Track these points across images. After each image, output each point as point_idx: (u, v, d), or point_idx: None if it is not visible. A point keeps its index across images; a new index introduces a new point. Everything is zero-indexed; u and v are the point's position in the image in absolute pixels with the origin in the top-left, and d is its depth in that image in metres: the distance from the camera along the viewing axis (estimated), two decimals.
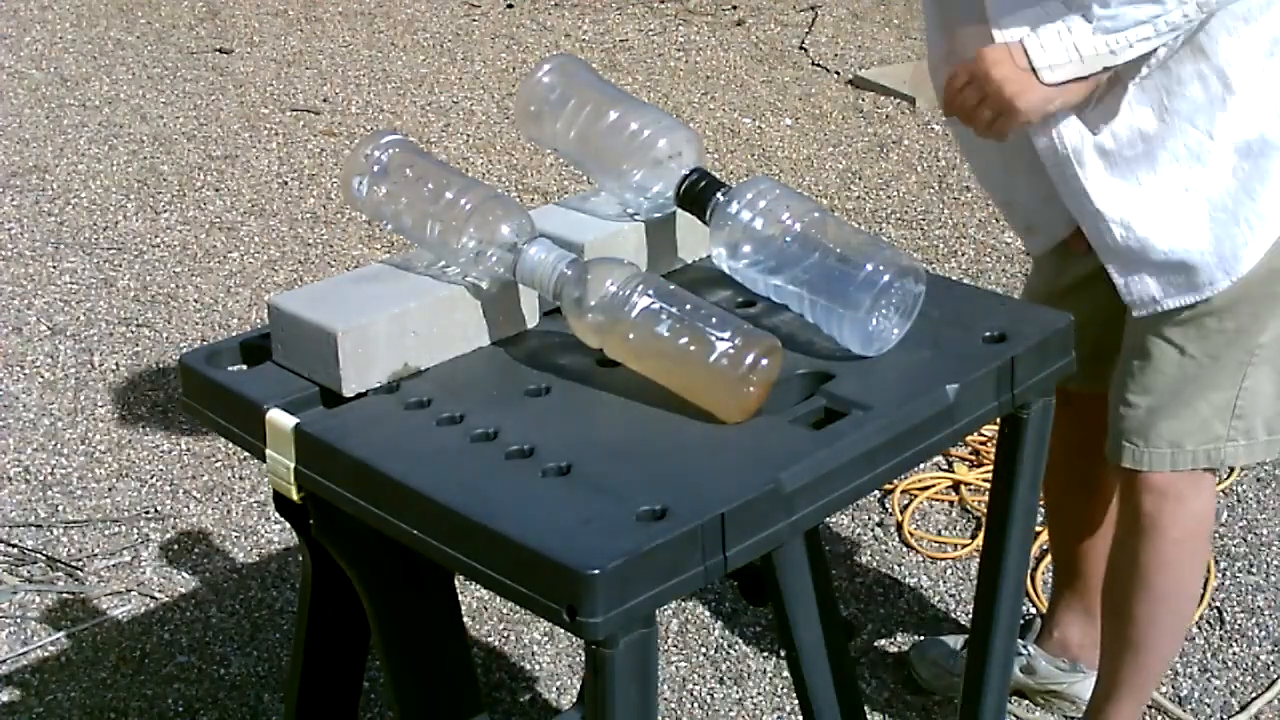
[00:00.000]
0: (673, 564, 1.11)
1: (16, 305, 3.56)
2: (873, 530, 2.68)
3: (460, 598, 1.58)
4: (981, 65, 1.60)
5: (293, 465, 1.29)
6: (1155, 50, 1.57)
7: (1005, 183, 1.85)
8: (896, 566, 2.58)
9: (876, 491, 2.75)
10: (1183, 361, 1.76)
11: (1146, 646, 1.95)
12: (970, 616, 1.72)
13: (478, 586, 2.45)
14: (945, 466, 2.85)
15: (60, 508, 2.78)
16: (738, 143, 4.48)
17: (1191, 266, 1.69)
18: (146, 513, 2.76)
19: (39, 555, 2.63)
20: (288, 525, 1.44)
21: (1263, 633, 2.40)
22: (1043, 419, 1.47)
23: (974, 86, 1.62)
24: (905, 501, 2.75)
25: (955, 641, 2.27)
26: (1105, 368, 1.87)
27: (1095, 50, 1.55)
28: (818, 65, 5.13)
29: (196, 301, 3.57)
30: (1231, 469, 2.76)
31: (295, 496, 1.31)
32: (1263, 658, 2.35)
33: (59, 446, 2.97)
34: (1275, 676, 2.31)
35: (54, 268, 3.75)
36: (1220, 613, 2.44)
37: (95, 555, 2.64)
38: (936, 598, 2.50)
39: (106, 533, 2.70)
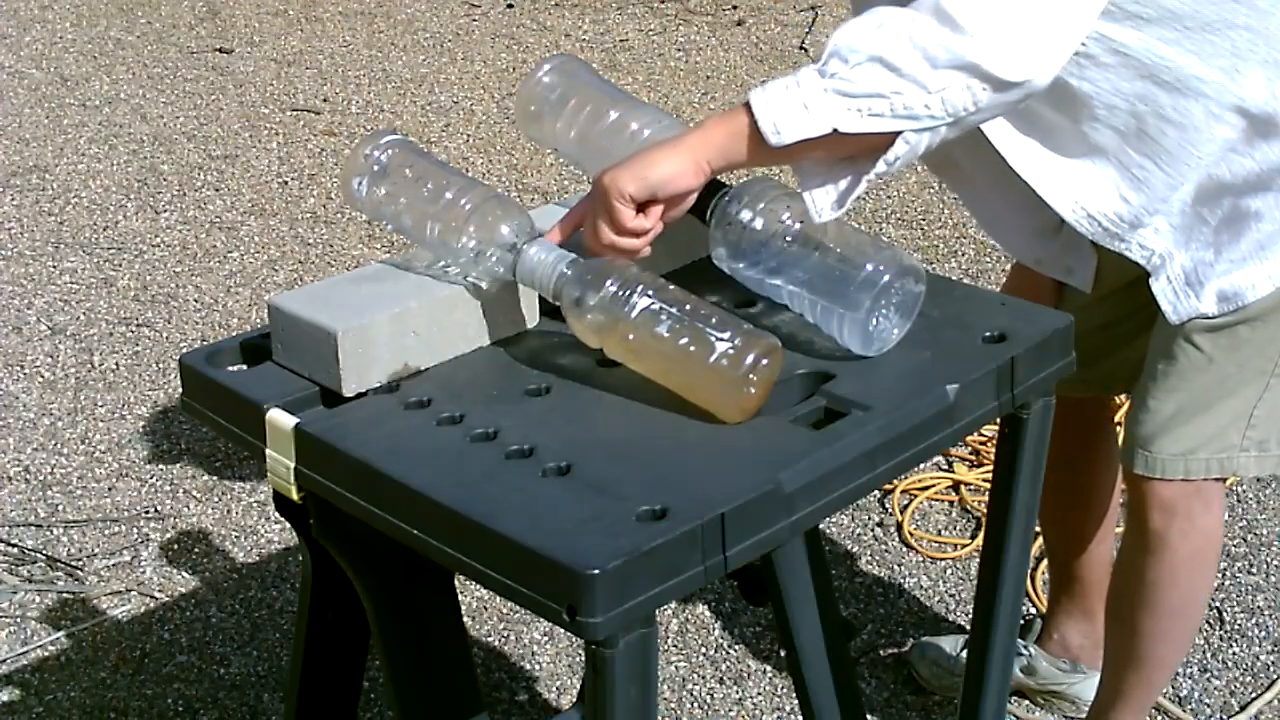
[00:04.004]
0: (673, 564, 1.11)
1: (16, 305, 3.56)
2: (873, 530, 2.68)
3: (460, 598, 1.58)
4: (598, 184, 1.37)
5: (293, 465, 1.29)
6: (911, 140, 1.34)
7: (1031, 245, 1.84)
8: (896, 566, 2.58)
9: (876, 491, 2.75)
10: (1209, 368, 1.73)
11: (1152, 659, 1.94)
12: (970, 616, 1.72)
13: (478, 586, 2.45)
14: (945, 466, 2.85)
15: (60, 507, 2.78)
16: None
17: (1246, 285, 1.67)
18: (146, 513, 2.76)
19: (39, 555, 2.63)
20: (288, 525, 1.44)
21: (1263, 633, 2.40)
22: (1043, 419, 1.47)
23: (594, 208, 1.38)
24: (905, 501, 2.75)
25: (955, 641, 2.27)
26: (1095, 372, 1.87)
27: (826, 109, 1.32)
28: None
29: (196, 301, 3.57)
30: None
31: (295, 496, 1.31)
32: (1263, 658, 2.35)
33: (59, 446, 2.97)
34: (1275, 676, 2.31)
35: (54, 268, 3.75)
36: (1220, 613, 2.44)
37: (95, 555, 2.64)
38: (936, 598, 2.50)
39: (106, 532, 2.70)
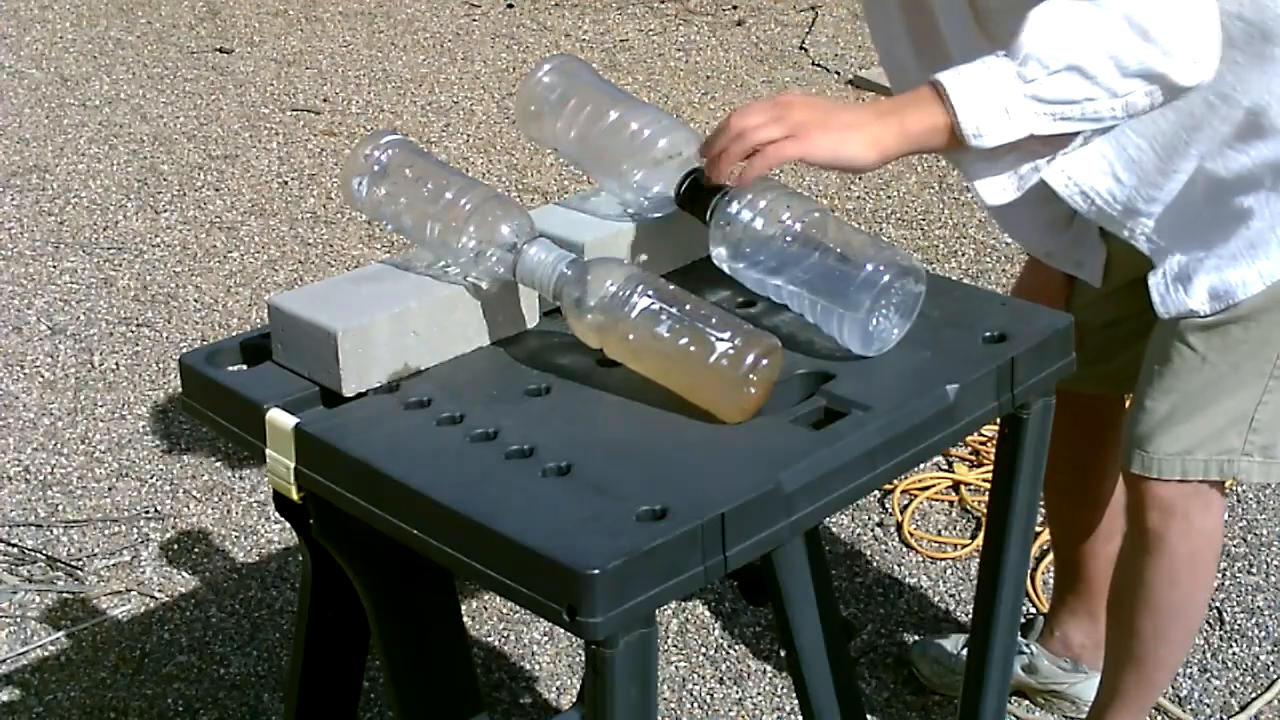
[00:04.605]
0: (673, 564, 1.11)
1: (16, 305, 3.56)
2: (873, 530, 2.68)
3: (460, 598, 1.58)
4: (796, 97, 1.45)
5: (293, 465, 1.29)
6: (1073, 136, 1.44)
7: (1042, 238, 1.84)
8: (896, 566, 2.58)
9: (876, 491, 2.75)
10: (1204, 368, 1.73)
11: (1151, 660, 1.94)
12: (970, 616, 1.72)
13: (478, 586, 2.45)
14: (945, 466, 2.85)
15: (60, 507, 2.78)
16: None
17: (1236, 283, 1.67)
18: (146, 513, 2.76)
19: (39, 555, 2.63)
20: (288, 525, 1.44)
21: (1263, 633, 2.40)
22: (1043, 419, 1.47)
23: (771, 106, 1.43)
24: (905, 501, 2.75)
25: (956, 640, 2.27)
26: (1104, 369, 1.86)
27: (1025, 115, 1.39)
28: (818, 65, 5.13)
29: (196, 301, 3.57)
30: None
31: (295, 496, 1.31)
32: (1263, 658, 2.35)
33: (59, 446, 2.97)
34: (1275, 676, 2.31)
35: (54, 268, 3.75)
36: (1220, 613, 2.44)
37: (95, 555, 2.64)
38: (936, 598, 2.50)
39: (106, 532, 2.70)
